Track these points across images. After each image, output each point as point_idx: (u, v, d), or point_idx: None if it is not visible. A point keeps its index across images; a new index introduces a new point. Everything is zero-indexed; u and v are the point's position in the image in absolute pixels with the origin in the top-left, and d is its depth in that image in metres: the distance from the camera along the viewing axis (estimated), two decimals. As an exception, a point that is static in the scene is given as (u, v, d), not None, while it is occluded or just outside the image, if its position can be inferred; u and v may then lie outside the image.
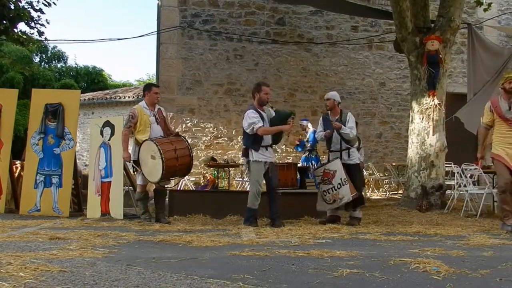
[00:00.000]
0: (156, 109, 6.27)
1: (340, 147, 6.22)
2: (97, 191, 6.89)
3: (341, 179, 5.97)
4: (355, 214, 6.24)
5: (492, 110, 5.70)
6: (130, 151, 6.18)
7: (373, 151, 11.98)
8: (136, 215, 6.74)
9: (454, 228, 5.82)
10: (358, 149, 8.62)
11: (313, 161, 8.76)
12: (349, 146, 6.22)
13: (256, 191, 5.81)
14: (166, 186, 6.43)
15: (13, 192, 7.35)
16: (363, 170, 9.33)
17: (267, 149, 5.89)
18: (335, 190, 5.99)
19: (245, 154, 5.87)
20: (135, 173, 6.26)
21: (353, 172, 6.18)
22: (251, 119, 5.74)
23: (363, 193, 8.75)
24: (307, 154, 9.06)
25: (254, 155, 5.81)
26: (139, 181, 6.20)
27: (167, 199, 6.70)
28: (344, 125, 6.14)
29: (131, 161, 6.10)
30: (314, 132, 8.37)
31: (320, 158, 9.02)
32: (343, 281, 2.92)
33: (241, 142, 10.93)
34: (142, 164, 5.98)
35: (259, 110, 5.90)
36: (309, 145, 8.96)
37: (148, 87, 6.41)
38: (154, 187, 6.37)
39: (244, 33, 11.35)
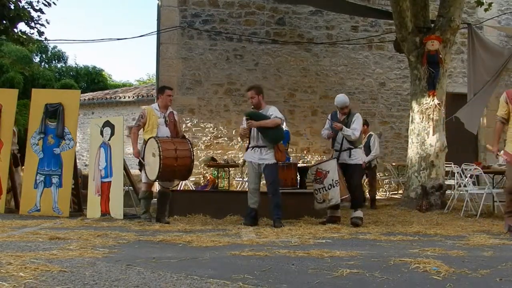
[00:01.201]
0: (168, 112, 6.27)
1: (341, 147, 6.17)
2: (97, 191, 6.89)
3: (332, 180, 5.92)
4: (355, 214, 6.16)
5: (508, 101, 5.36)
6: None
7: (373, 151, 11.96)
8: (136, 215, 6.75)
9: (454, 228, 5.82)
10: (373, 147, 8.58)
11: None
12: (351, 147, 6.14)
13: (248, 190, 6.07)
14: (170, 187, 6.42)
15: (13, 192, 7.35)
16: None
17: (253, 150, 6.00)
18: (325, 190, 5.97)
19: None
20: (141, 171, 6.26)
21: (352, 172, 6.12)
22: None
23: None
24: None
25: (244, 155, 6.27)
26: (143, 179, 6.20)
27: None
28: (349, 126, 6.10)
29: (140, 158, 6.12)
30: (287, 132, 8.34)
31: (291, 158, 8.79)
32: (343, 281, 2.92)
33: (240, 142, 11.05)
34: (145, 162, 6.02)
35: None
36: None
37: (161, 89, 6.45)
38: (159, 188, 6.38)
39: (244, 33, 11.35)
